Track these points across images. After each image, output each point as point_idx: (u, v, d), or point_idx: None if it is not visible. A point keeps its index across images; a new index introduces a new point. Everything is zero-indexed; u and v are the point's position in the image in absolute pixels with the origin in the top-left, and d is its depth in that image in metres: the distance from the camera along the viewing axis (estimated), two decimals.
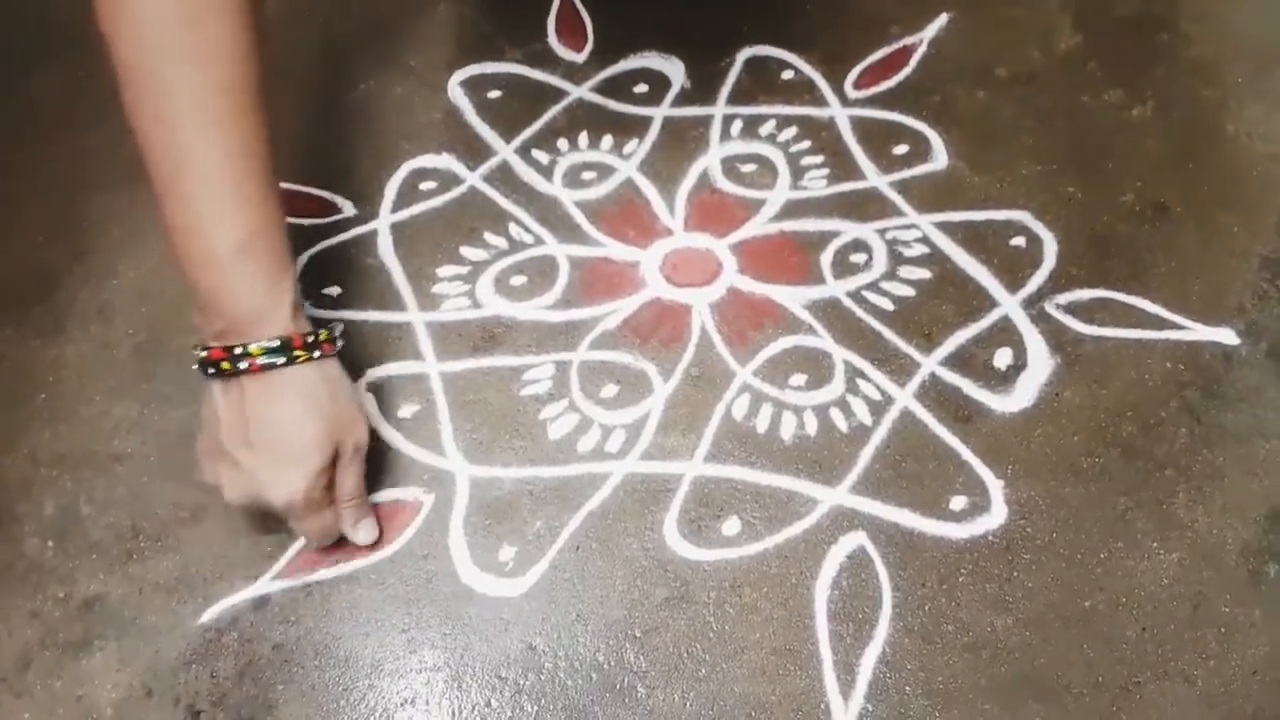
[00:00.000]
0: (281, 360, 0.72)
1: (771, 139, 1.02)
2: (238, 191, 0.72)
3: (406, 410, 0.85)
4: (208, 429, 0.74)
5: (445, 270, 0.94)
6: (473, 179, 1.00)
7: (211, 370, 0.72)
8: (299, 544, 0.79)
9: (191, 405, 0.84)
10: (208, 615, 0.76)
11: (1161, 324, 0.87)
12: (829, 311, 0.89)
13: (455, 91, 1.07)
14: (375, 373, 0.87)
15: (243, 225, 0.71)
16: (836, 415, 0.83)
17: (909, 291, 0.90)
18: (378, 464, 0.82)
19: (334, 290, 0.92)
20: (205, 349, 0.72)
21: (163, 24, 0.69)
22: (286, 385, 0.72)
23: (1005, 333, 0.87)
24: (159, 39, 0.70)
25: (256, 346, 0.71)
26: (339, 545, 0.78)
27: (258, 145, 0.73)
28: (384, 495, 0.81)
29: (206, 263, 0.71)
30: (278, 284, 0.74)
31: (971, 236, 0.93)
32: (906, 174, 0.98)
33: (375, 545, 0.78)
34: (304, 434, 0.72)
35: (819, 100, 1.05)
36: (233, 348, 0.71)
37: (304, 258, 0.95)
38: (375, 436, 0.82)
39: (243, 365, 0.71)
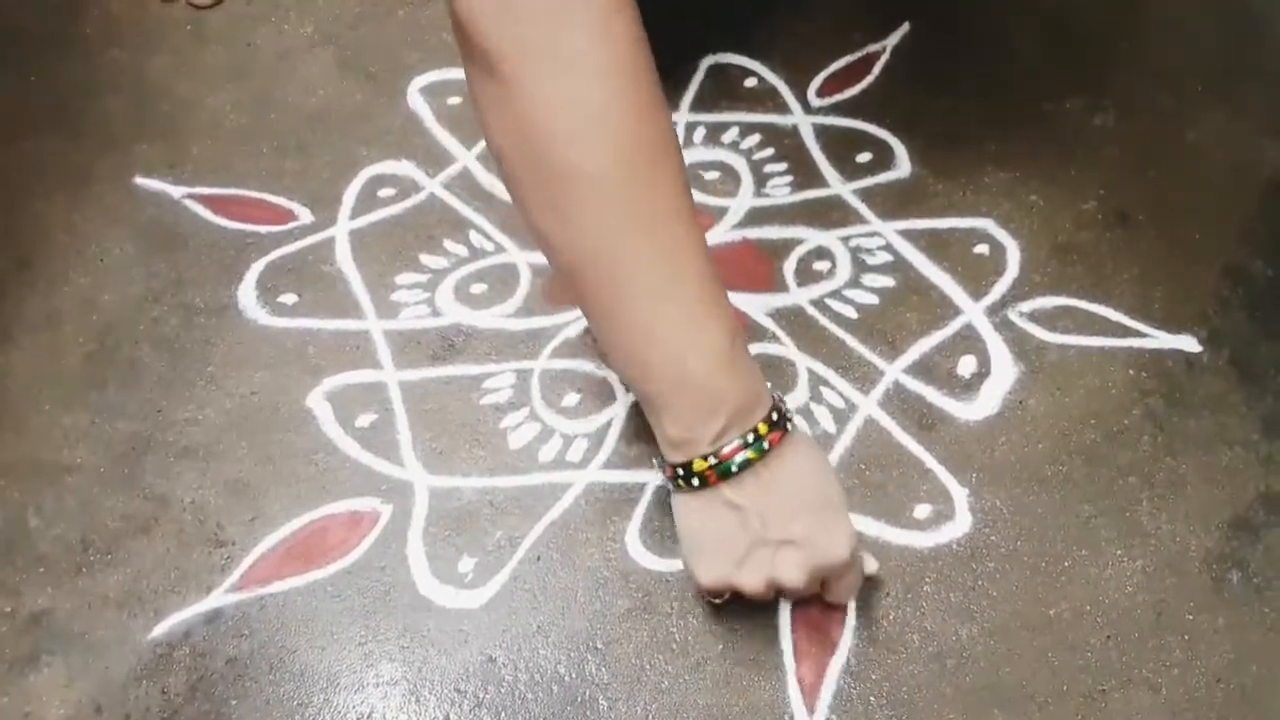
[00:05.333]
0: (789, 423, 0.66)
1: (734, 146, 1.01)
2: (717, 277, 0.65)
3: (364, 419, 0.84)
4: (722, 540, 0.66)
5: (404, 278, 0.93)
6: (433, 186, 0.99)
7: (720, 472, 0.64)
8: (253, 555, 0.77)
9: (143, 416, 0.83)
10: (159, 629, 0.74)
11: (1124, 332, 0.87)
12: (792, 319, 0.89)
13: (415, 98, 1.06)
14: (333, 381, 0.86)
15: (730, 307, 0.66)
16: (800, 424, 0.83)
17: (872, 299, 0.90)
18: (335, 474, 0.81)
19: (291, 298, 0.91)
20: (713, 455, 0.64)
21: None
22: (799, 442, 0.67)
23: (969, 340, 0.87)
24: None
25: (762, 424, 0.65)
26: (302, 558, 0.77)
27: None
28: (341, 506, 0.80)
29: (718, 358, 0.64)
30: (750, 354, 0.68)
31: (935, 244, 0.93)
32: (870, 182, 0.98)
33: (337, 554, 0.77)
34: (831, 478, 0.68)
35: (782, 108, 1.04)
36: (746, 434, 0.64)
37: (260, 264, 0.93)
38: None
39: (765, 445, 0.64)
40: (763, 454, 0.64)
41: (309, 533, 0.78)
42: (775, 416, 0.66)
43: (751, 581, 0.66)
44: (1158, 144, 0.99)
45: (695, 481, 0.65)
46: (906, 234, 0.94)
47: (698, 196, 0.97)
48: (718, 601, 0.72)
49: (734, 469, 0.64)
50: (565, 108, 0.61)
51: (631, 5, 0.62)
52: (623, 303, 0.64)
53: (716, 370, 0.64)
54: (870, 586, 0.74)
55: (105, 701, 0.71)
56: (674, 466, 0.66)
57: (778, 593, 0.69)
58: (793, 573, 0.66)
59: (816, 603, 0.73)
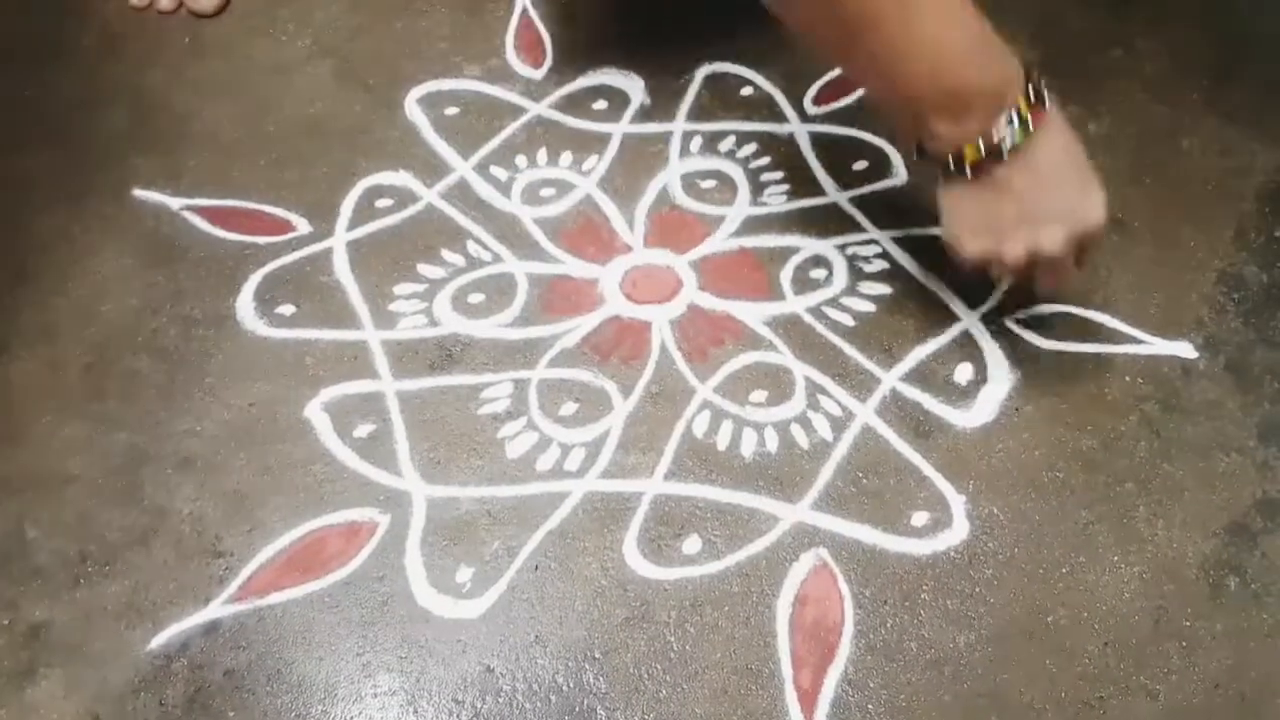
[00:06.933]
0: (1045, 97, 0.73)
1: (731, 155, 1.02)
2: None
3: (362, 430, 0.84)
4: (990, 217, 0.76)
5: (402, 288, 0.93)
6: (430, 196, 0.99)
7: (992, 156, 0.73)
8: (251, 566, 0.77)
9: (141, 427, 0.83)
10: (157, 641, 0.74)
11: (1120, 338, 0.87)
12: (789, 327, 0.89)
13: (413, 108, 1.06)
14: (330, 391, 0.86)
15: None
16: (797, 431, 0.83)
17: (869, 307, 0.90)
18: (333, 485, 0.81)
19: (289, 309, 0.91)
20: (983, 141, 0.73)
21: None
22: (1056, 118, 0.75)
23: (965, 347, 0.87)
24: None
25: (1022, 100, 0.73)
26: (300, 569, 0.77)
27: None
28: (339, 516, 0.80)
29: (976, 44, 0.73)
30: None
31: (931, 251, 0.93)
32: (866, 190, 0.98)
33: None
34: (1080, 148, 0.76)
35: (778, 116, 1.04)
36: (1009, 115, 0.72)
37: (258, 275, 0.93)
38: None
39: (1030, 125, 0.73)
40: (1028, 134, 0.72)
41: (307, 543, 0.78)
42: (1032, 92, 0.73)
43: (1014, 251, 0.76)
44: (1152, 151, 1.00)
45: (968, 170, 0.74)
46: (902, 242, 0.94)
47: (694, 205, 0.97)
48: (968, 266, 0.81)
49: (1004, 154, 0.73)
50: None
51: None
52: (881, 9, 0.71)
53: (975, 56, 0.73)
54: (869, 595, 0.74)
55: (103, 713, 0.71)
56: (946, 157, 0.75)
57: (1029, 267, 0.78)
58: (1056, 239, 0.75)
59: (813, 612, 0.72)
